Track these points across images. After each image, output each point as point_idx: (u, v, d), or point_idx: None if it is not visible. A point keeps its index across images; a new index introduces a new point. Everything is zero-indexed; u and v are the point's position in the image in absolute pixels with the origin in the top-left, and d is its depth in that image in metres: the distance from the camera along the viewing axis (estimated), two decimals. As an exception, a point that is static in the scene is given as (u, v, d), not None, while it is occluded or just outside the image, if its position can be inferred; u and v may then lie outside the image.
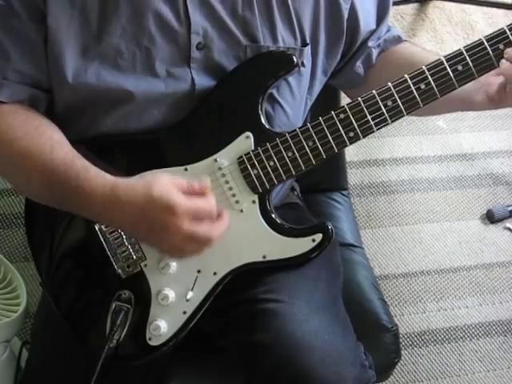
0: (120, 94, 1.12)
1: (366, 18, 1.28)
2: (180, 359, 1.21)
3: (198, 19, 1.13)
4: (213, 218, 1.08)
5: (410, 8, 2.80)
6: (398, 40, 1.33)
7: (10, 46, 1.10)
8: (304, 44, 1.22)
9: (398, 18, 2.77)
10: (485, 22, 2.84)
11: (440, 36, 2.75)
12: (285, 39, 1.19)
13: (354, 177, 2.33)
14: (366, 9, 1.28)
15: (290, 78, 1.21)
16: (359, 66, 1.32)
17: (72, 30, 1.09)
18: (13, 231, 2.00)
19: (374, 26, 1.30)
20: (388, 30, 1.34)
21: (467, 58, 1.09)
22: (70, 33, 1.09)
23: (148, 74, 1.13)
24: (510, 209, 2.32)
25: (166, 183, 1.05)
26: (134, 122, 1.15)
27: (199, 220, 1.05)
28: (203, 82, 1.16)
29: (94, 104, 1.14)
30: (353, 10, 1.24)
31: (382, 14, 1.31)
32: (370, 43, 1.30)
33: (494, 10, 2.80)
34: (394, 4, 2.74)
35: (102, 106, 1.14)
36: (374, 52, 1.31)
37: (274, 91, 1.20)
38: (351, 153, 2.37)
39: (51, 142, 1.10)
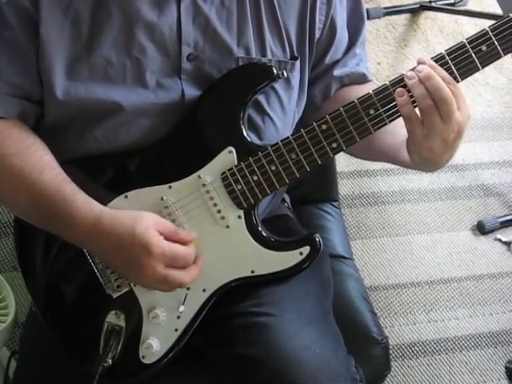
0: (109, 106, 1.12)
1: (338, 47, 1.27)
2: (169, 372, 1.20)
3: (189, 30, 1.12)
4: (188, 265, 1.10)
5: (401, 18, 2.80)
6: (363, 78, 1.32)
7: (1, 57, 1.10)
8: (293, 57, 1.21)
9: (390, 28, 2.77)
10: (476, 33, 2.85)
11: (432, 47, 2.76)
12: (274, 52, 1.19)
13: (344, 187, 2.32)
14: (343, 37, 1.28)
15: (281, 91, 1.21)
16: (316, 96, 1.31)
17: (63, 40, 1.09)
18: (1, 240, 1.99)
19: (339, 56, 1.29)
20: (357, 64, 1.32)
21: (449, 61, 1.08)
22: (60, 43, 1.09)
23: (138, 85, 1.13)
24: (500, 220, 2.32)
25: (151, 222, 1.07)
26: (123, 134, 1.15)
27: (174, 265, 1.08)
28: (193, 92, 1.15)
29: (84, 116, 1.14)
30: (331, 34, 1.24)
31: (349, 44, 1.30)
32: (336, 72, 1.29)
33: (486, 20, 2.81)
34: (386, 14, 2.74)
35: (92, 118, 1.14)
36: (335, 85, 1.30)
37: (264, 103, 1.19)
38: (342, 163, 2.36)
39: (41, 162, 1.10)
